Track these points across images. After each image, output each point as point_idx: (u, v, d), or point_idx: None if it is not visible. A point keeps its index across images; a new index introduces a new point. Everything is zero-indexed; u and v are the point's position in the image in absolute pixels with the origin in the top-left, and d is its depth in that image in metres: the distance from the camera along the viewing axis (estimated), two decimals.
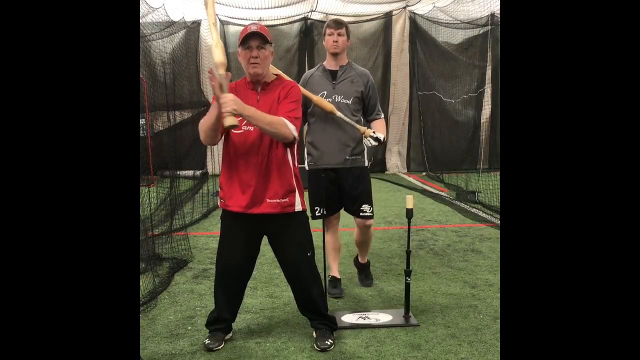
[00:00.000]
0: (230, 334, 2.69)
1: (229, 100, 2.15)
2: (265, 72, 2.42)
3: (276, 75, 2.54)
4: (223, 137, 2.45)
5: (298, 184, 2.50)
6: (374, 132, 3.04)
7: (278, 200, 2.42)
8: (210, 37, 9.48)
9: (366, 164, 3.21)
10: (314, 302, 2.61)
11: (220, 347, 2.56)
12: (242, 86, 2.47)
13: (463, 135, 9.44)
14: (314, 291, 2.60)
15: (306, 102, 3.06)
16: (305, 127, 3.31)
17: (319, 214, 3.15)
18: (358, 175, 3.16)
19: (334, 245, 3.33)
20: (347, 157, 3.11)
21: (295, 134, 2.39)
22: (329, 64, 3.16)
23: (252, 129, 2.36)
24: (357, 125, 3.06)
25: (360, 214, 3.19)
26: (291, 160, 2.48)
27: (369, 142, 3.04)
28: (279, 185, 2.41)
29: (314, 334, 2.63)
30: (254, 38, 2.34)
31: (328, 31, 3.09)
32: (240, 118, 2.25)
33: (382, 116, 3.26)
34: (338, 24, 3.09)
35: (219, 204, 2.56)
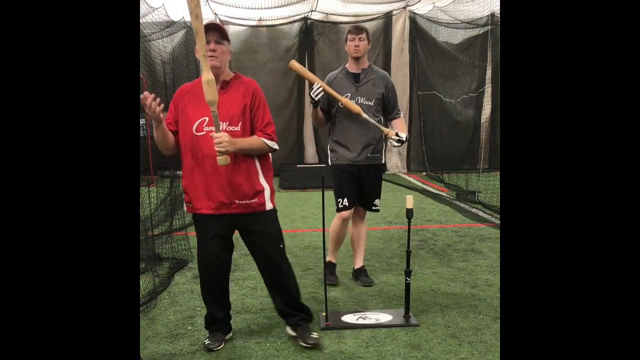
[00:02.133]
0: (231, 334, 2.70)
1: (224, 141, 2.22)
2: (223, 68, 2.40)
3: (234, 73, 2.50)
4: (181, 141, 2.44)
5: (269, 182, 2.49)
6: (396, 133, 3.23)
7: (247, 202, 2.42)
8: None
9: (384, 161, 3.47)
10: (294, 296, 2.63)
11: (220, 347, 2.57)
12: (200, 86, 2.31)
13: (463, 135, 9.44)
14: (291, 283, 2.63)
15: (330, 103, 3.29)
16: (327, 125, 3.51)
17: (342, 206, 3.36)
18: (376, 172, 3.41)
19: (343, 235, 3.52)
20: (369, 154, 3.32)
21: (275, 146, 2.46)
22: (351, 67, 3.33)
23: (213, 128, 2.31)
24: (381, 127, 3.27)
25: (372, 207, 3.47)
26: (258, 160, 2.46)
27: (393, 143, 3.23)
28: (247, 187, 2.41)
29: (293, 332, 2.64)
30: (212, 32, 2.33)
31: (350, 37, 3.27)
32: (203, 119, 2.34)
33: (402, 115, 3.49)
34: (359, 29, 3.27)
35: (185, 208, 2.56)
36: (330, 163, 3.43)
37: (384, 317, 2.87)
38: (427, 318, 2.89)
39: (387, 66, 9.71)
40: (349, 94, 3.24)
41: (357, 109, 3.17)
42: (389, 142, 3.27)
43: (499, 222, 5.16)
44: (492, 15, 8.21)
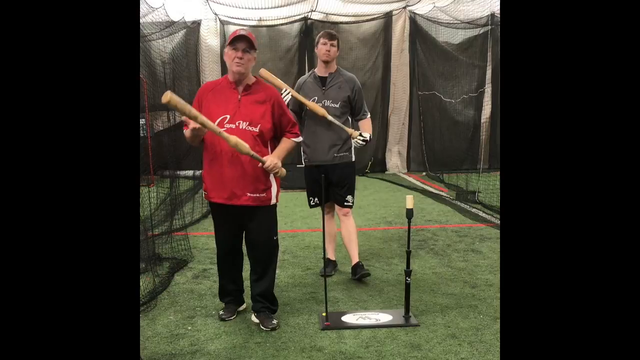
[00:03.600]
0: (244, 306, 3.01)
1: (274, 164, 2.60)
2: (247, 74, 2.65)
3: (255, 77, 2.75)
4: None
5: (277, 180, 2.77)
6: (360, 134, 3.48)
7: (257, 195, 2.69)
8: (210, 38, 9.47)
9: (353, 159, 3.61)
10: (270, 283, 2.86)
11: (232, 318, 2.89)
12: (224, 86, 2.70)
13: (463, 135, 9.43)
14: (272, 273, 2.87)
15: (301, 105, 3.52)
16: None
17: (314, 203, 3.67)
18: (345, 170, 3.56)
19: (329, 230, 3.68)
20: (335, 154, 3.51)
21: (301, 138, 2.89)
22: (320, 70, 3.54)
23: (234, 126, 2.59)
24: (346, 128, 3.48)
25: (345, 203, 3.60)
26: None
27: (358, 143, 3.49)
28: (259, 182, 2.67)
29: (256, 319, 2.86)
30: (242, 41, 2.58)
31: (322, 41, 3.46)
32: (224, 117, 2.60)
33: (368, 116, 3.66)
34: (332, 36, 3.48)
35: (204, 196, 2.82)
36: (303, 163, 3.67)
37: (384, 317, 2.87)
38: (427, 318, 2.89)
39: (387, 66, 9.72)
40: (316, 97, 3.45)
41: (322, 112, 3.38)
42: (354, 143, 3.51)
43: (499, 222, 5.15)
44: (492, 15, 8.20)
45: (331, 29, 3.68)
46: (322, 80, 3.50)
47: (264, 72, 3.32)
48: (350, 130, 3.48)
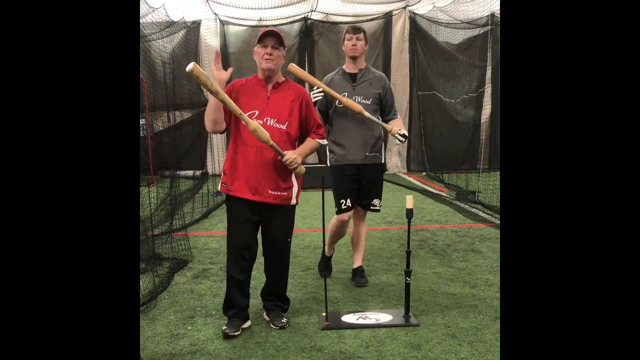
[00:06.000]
0: (249, 323, 2.80)
1: (293, 159, 2.56)
2: (276, 71, 2.64)
3: (285, 77, 2.73)
4: (231, 126, 2.67)
5: (298, 180, 2.74)
6: (399, 130, 3.28)
7: (279, 193, 2.65)
8: (210, 38, 9.45)
9: (383, 160, 3.47)
10: (282, 282, 2.87)
11: (237, 334, 2.68)
12: (254, 84, 2.68)
13: (463, 135, 9.44)
14: (285, 273, 2.88)
15: (327, 104, 3.34)
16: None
17: (345, 207, 3.37)
18: (376, 171, 3.41)
19: (342, 235, 3.55)
20: (368, 153, 3.34)
21: (326, 142, 2.87)
22: (349, 67, 3.37)
23: (261, 122, 2.57)
24: (383, 124, 3.32)
25: (371, 207, 3.45)
26: None
27: (398, 138, 3.29)
28: (282, 180, 2.65)
29: (267, 317, 2.86)
30: (271, 37, 2.57)
31: (347, 36, 3.33)
32: (252, 112, 2.57)
33: (399, 116, 3.51)
34: (357, 29, 3.33)
35: (219, 188, 2.75)
36: (329, 164, 3.44)
37: (384, 317, 2.87)
38: (427, 318, 2.89)
39: (387, 66, 9.71)
40: (346, 93, 3.26)
41: (358, 107, 3.20)
42: (392, 139, 3.34)
43: (499, 222, 5.16)
44: (492, 15, 8.21)
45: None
46: (352, 77, 3.33)
47: (293, 67, 3.20)
48: (388, 126, 3.31)
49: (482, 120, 9.45)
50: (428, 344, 2.56)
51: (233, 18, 9.36)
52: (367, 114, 3.21)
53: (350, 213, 3.41)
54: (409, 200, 2.80)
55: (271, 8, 8.62)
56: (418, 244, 4.52)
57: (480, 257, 4.08)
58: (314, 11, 9.19)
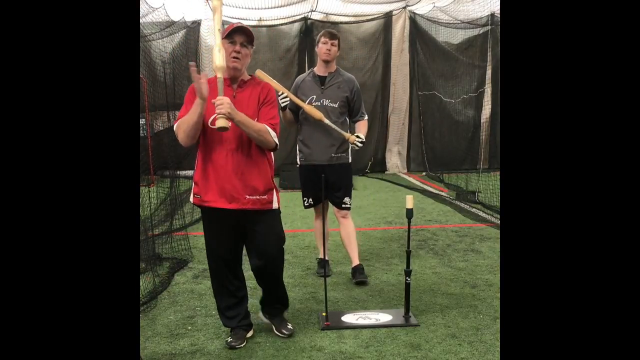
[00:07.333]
0: (252, 332, 2.70)
1: (226, 104, 2.22)
2: (243, 70, 2.47)
3: (251, 75, 2.58)
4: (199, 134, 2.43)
5: (274, 182, 2.54)
6: (357, 136, 3.44)
7: (258, 197, 2.44)
8: (210, 38, 9.46)
9: (349, 160, 3.59)
10: (283, 295, 2.73)
11: (242, 345, 2.57)
12: (217, 84, 2.37)
13: (463, 135, 9.44)
14: (281, 282, 2.70)
15: (298, 105, 3.46)
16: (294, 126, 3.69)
17: (307, 204, 3.61)
18: (342, 171, 3.53)
19: (322, 230, 3.54)
20: (333, 154, 3.48)
21: (277, 141, 2.45)
22: (319, 69, 3.51)
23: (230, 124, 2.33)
24: (342, 132, 3.44)
25: (342, 205, 3.58)
26: (268, 159, 2.51)
27: (356, 146, 3.45)
28: (259, 182, 2.44)
29: (267, 320, 2.76)
30: (240, 34, 2.39)
31: (323, 39, 3.45)
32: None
33: (366, 118, 3.64)
34: (333, 35, 3.46)
35: (191, 199, 2.52)
36: (298, 163, 3.61)
37: (384, 317, 2.87)
38: (427, 318, 2.89)
39: (387, 66, 9.72)
40: (315, 96, 3.43)
41: (318, 115, 3.34)
42: (352, 146, 3.47)
43: (499, 222, 5.16)
44: (492, 15, 8.21)
45: (331, 29, 3.63)
46: (321, 80, 3.47)
47: (260, 73, 3.21)
48: (346, 135, 3.43)
49: (482, 120, 9.44)
50: (428, 344, 2.56)
51: (233, 18, 9.34)
52: (326, 121, 3.36)
53: (319, 208, 3.59)
54: (409, 200, 2.81)
55: (271, 8, 8.62)
56: (418, 244, 4.52)
57: (480, 257, 4.08)
58: (314, 11, 9.19)
